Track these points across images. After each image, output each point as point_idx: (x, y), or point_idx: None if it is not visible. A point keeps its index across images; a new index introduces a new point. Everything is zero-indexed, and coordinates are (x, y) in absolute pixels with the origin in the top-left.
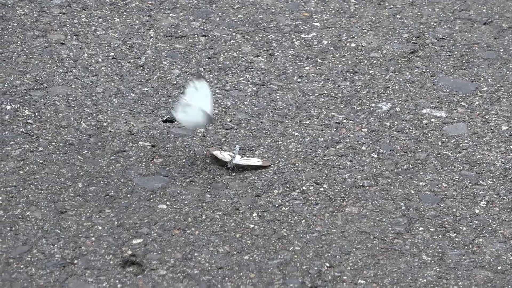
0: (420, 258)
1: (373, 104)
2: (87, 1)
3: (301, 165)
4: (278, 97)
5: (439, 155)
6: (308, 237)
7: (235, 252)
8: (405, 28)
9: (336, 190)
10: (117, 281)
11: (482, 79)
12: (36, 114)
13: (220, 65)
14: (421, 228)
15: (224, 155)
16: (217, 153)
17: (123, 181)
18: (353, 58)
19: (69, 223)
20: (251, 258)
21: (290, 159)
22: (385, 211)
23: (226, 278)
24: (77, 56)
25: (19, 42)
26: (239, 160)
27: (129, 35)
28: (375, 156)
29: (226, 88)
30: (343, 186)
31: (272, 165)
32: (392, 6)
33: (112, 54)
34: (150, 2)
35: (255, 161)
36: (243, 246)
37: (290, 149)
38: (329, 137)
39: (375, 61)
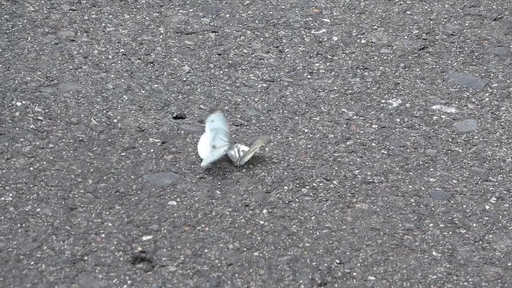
0: (430, 255)
1: (383, 101)
2: None
3: (311, 162)
4: (288, 93)
5: (449, 152)
6: (318, 233)
7: (245, 249)
8: (415, 24)
9: (346, 187)
10: (127, 277)
11: (492, 75)
12: (47, 110)
13: (230, 61)
14: (431, 225)
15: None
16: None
17: (133, 178)
18: (363, 54)
19: (79, 219)
20: (261, 255)
21: (300, 156)
22: (395, 208)
23: (236, 275)
24: (87, 53)
25: (29, 38)
26: (244, 156)
27: (139, 31)
28: (385, 152)
29: (236, 84)
30: (353, 183)
31: (270, 138)
32: (402, 2)
33: (122, 50)
34: None
35: (255, 148)
36: (253, 242)
37: (300, 145)
38: (339, 134)
39: (385, 57)
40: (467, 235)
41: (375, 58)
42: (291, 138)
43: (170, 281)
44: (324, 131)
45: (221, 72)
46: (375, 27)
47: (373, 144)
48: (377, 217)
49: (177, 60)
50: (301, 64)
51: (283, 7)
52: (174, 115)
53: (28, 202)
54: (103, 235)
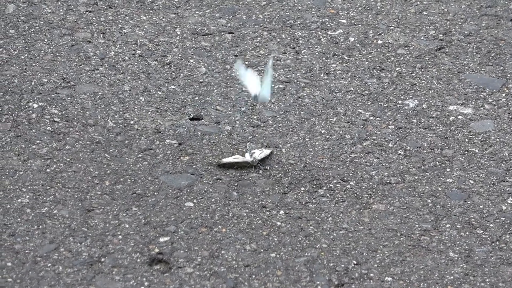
0: (447, 255)
1: (400, 101)
2: None
3: (328, 163)
4: (304, 94)
5: (466, 152)
6: (335, 234)
7: (262, 250)
8: (432, 25)
9: (363, 187)
10: (144, 279)
11: (509, 75)
12: (63, 112)
13: (246, 62)
14: (448, 225)
15: (244, 157)
16: (233, 158)
17: (150, 179)
18: (379, 55)
19: (96, 221)
20: (278, 256)
21: (317, 157)
22: (412, 208)
23: (253, 276)
24: (104, 54)
25: (46, 40)
26: (259, 155)
27: (156, 33)
28: (402, 153)
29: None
30: (370, 183)
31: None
32: (418, 2)
33: (139, 52)
34: (176, 0)
35: (267, 152)
36: (270, 243)
37: (317, 146)
38: (356, 134)
39: (401, 58)
40: (484, 236)
41: (392, 58)
42: (307, 139)
43: (187, 282)
44: (341, 132)
45: (238, 73)
46: (392, 27)
47: (390, 145)
48: (394, 218)
49: (194, 61)
50: (317, 65)
51: (299, 8)
52: (191, 117)
53: (45, 204)
54: (120, 237)
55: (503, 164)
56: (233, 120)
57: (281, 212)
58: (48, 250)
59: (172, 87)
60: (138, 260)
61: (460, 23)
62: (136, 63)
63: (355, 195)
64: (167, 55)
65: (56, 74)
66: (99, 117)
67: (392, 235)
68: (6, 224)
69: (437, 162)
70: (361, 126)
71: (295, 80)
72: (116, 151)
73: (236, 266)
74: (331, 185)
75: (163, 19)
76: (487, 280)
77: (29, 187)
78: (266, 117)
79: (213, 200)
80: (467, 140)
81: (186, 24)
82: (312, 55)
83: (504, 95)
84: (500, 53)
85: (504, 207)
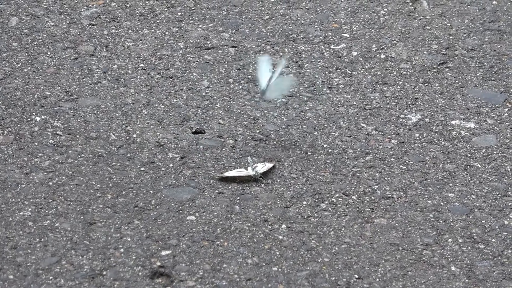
0: (449, 270)
1: (402, 116)
2: (117, 12)
3: (330, 177)
4: (307, 108)
5: (468, 167)
6: (337, 248)
7: (263, 264)
8: (435, 39)
9: (365, 202)
10: None
11: (511, 90)
12: (66, 125)
13: (249, 76)
14: (450, 240)
15: (246, 170)
16: (235, 172)
17: (152, 193)
18: (382, 69)
19: (98, 234)
20: (279, 270)
21: (319, 171)
22: (414, 223)
23: None
24: (107, 68)
25: (48, 53)
26: (261, 168)
27: (159, 46)
28: (404, 167)
29: (256, 99)
30: (372, 198)
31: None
32: (421, 17)
33: (142, 65)
34: (179, 14)
35: (270, 165)
36: (272, 257)
37: (319, 160)
38: (358, 149)
39: (404, 72)
40: (486, 250)
41: (395, 73)
42: (310, 153)
43: None
44: (343, 146)
45: (241, 87)
46: (395, 42)
47: (392, 159)
48: (396, 232)
49: (197, 75)
50: (320, 79)
51: (302, 22)
52: (193, 130)
53: (47, 217)
54: (122, 250)
55: (505, 178)
56: (236, 134)
57: (283, 226)
58: (50, 263)
59: (175, 100)
60: (140, 274)
61: (463, 38)
62: (139, 77)
63: (357, 209)
64: (170, 69)
65: (59, 87)
66: (102, 130)
67: (394, 249)
68: (8, 237)
69: (439, 177)
70: (364, 140)
71: (298, 94)
72: (118, 164)
73: (238, 279)
74: (333, 199)
75: (166, 33)
76: None
77: (31, 200)
78: (268, 131)
79: (215, 213)
80: (469, 155)
81: (189, 37)
82: (315, 69)
83: (506, 109)
84: (503, 68)
85: (506, 222)
